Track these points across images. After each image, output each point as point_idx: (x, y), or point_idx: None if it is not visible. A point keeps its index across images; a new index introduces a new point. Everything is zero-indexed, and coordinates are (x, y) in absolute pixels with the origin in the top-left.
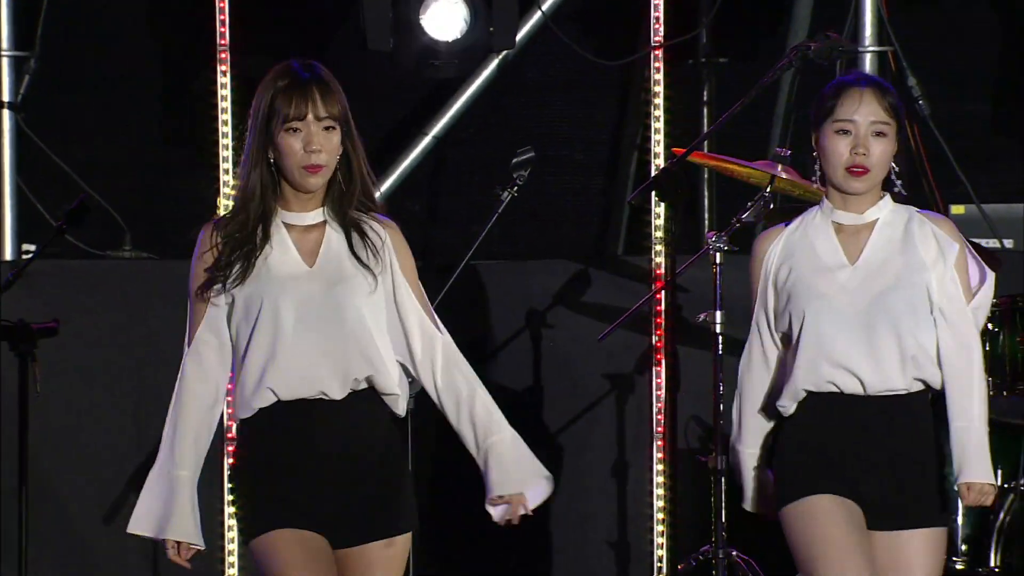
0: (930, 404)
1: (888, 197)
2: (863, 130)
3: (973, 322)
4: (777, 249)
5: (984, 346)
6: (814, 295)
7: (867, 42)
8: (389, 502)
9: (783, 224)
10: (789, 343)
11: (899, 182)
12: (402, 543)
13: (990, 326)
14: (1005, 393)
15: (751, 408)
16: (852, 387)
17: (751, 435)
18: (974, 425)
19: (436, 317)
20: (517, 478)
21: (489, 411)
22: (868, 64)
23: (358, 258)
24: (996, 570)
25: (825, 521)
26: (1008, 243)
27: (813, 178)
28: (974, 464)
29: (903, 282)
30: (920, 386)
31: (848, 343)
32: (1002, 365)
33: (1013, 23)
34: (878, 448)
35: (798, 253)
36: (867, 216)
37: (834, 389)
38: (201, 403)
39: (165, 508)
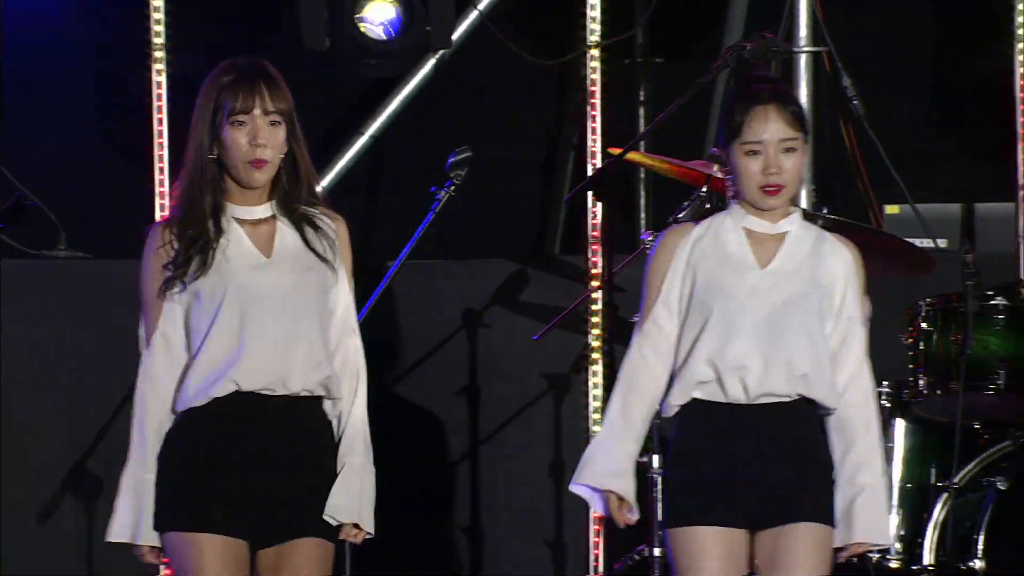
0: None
1: (798, 212)
2: (772, 149)
3: (867, 363)
4: (687, 245)
5: (919, 345)
6: (722, 294)
7: (802, 43)
8: (322, 501)
9: (693, 222)
10: (686, 340)
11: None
12: (328, 545)
13: (925, 326)
14: (939, 392)
15: (637, 403)
16: (735, 392)
17: (632, 431)
18: (881, 483)
19: (355, 318)
20: (354, 508)
21: (356, 428)
22: (803, 64)
23: (315, 251)
24: (930, 568)
25: (701, 556)
26: (942, 243)
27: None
28: (881, 526)
29: (811, 293)
30: (807, 393)
31: (747, 345)
32: (936, 364)
33: (947, 23)
34: (760, 454)
35: (708, 251)
36: (779, 227)
37: (719, 392)
38: (165, 402)
39: (137, 513)
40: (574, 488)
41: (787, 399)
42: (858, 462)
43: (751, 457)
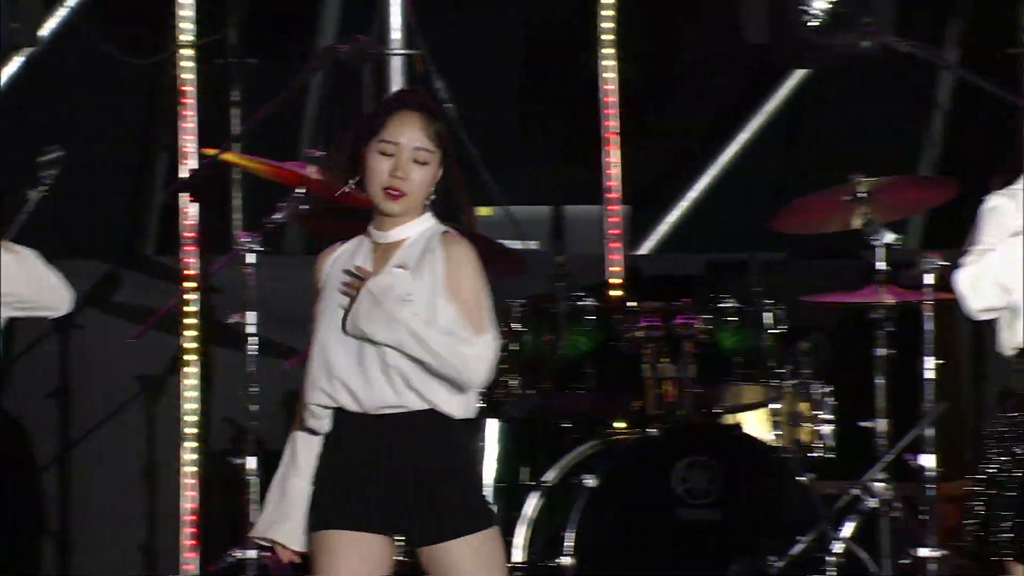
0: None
1: (427, 215)
2: (406, 154)
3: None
4: (328, 263)
5: (511, 346)
6: (328, 308)
7: (395, 45)
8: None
9: (352, 240)
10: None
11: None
12: None
13: (517, 326)
14: (530, 392)
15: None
16: (349, 404)
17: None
18: None
19: None
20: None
21: None
22: (397, 67)
23: None
24: (520, 565)
25: (330, 558)
26: (533, 244)
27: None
28: None
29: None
30: (422, 404)
31: (344, 358)
32: (527, 364)
33: (537, 28)
34: (388, 466)
35: (338, 268)
36: (393, 235)
37: (331, 401)
38: None
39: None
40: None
41: (403, 409)
42: None
43: (378, 465)
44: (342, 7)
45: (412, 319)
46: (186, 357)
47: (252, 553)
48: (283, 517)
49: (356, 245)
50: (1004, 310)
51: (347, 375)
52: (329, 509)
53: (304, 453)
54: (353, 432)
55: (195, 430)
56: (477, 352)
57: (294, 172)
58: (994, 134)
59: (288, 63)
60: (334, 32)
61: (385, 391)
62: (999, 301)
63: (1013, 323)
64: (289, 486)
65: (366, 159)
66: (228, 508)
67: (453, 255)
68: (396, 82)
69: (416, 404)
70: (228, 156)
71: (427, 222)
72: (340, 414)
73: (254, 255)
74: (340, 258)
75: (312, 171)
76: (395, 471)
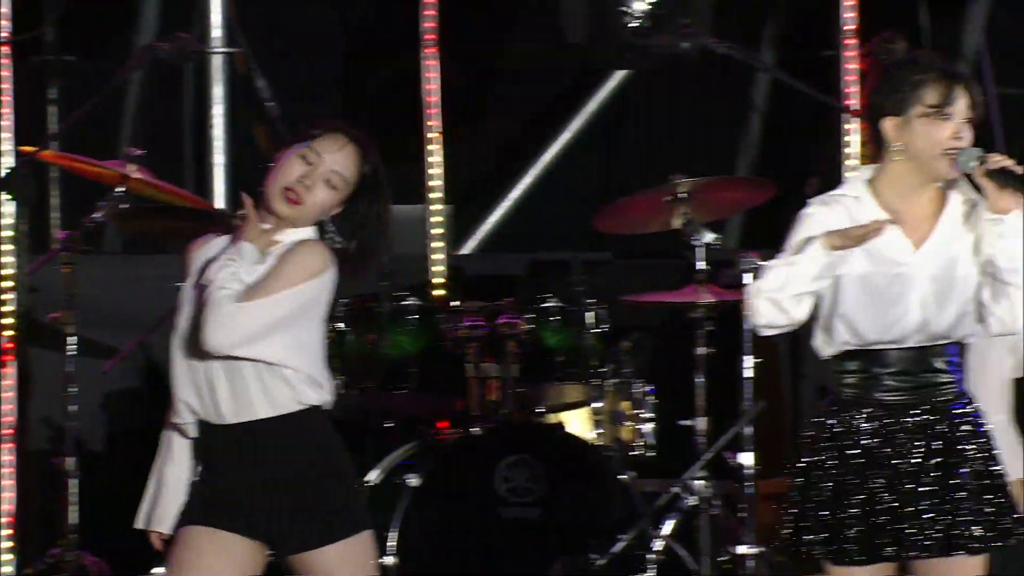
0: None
1: (311, 230)
2: (321, 169)
3: None
4: (199, 257)
5: (336, 346)
6: (186, 311)
7: (216, 44)
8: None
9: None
10: None
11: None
12: None
13: (341, 325)
14: (354, 391)
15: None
16: (209, 415)
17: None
18: None
19: None
20: None
21: None
22: (218, 66)
23: None
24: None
25: (188, 553)
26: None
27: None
28: None
29: None
30: (280, 408)
31: (199, 365)
32: (351, 364)
33: (357, 27)
34: (251, 472)
35: (203, 265)
36: (273, 236)
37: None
38: None
39: None
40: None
41: (258, 416)
42: None
43: (242, 470)
44: (162, 4)
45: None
46: (4, 357)
47: (70, 555)
48: (160, 506)
49: (228, 242)
50: (788, 327)
51: (200, 383)
52: (194, 507)
53: (179, 442)
54: (217, 436)
55: (11, 430)
56: (231, 311)
57: (113, 171)
58: (810, 136)
59: (107, 60)
60: (154, 30)
61: (239, 399)
62: (777, 319)
63: (819, 333)
64: (166, 476)
65: (283, 158)
66: (46, 509)
67: (293, 250)
68: (218, 80)
69: (268, 411)
70: (46, 154)
71: (306, 233)
72: (203, 420)
73: (73, 254)
74: (211, 252)
75: (132, 170)
76: (259, 477)
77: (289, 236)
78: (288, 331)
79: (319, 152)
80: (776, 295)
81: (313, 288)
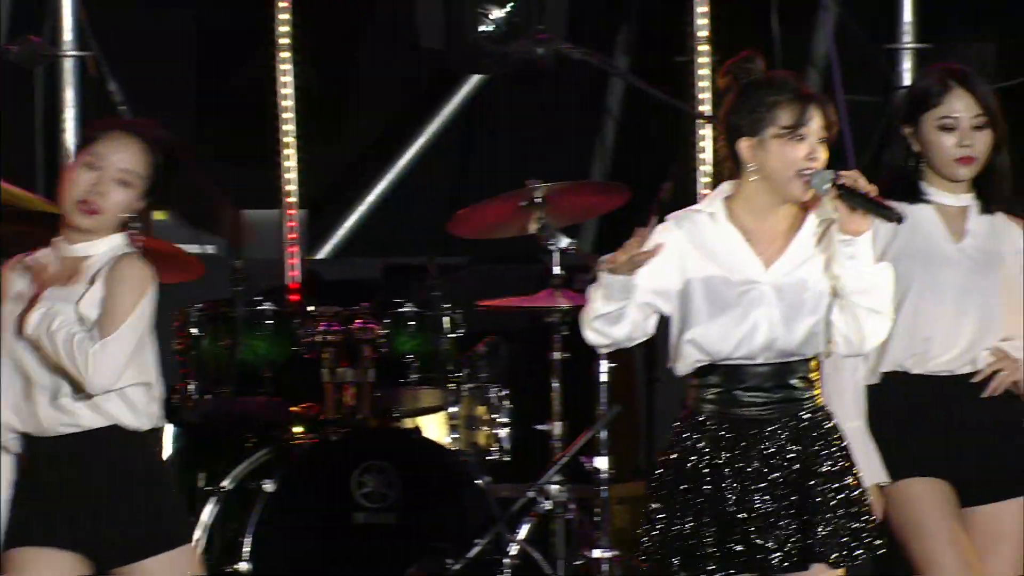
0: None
1: (118, 235)
2: (111, 171)
3: None
4: (12, 281)
5: (190, 351)
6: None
7: (68, 46)
8: None
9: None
10: None
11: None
12: None
13: (195, 331)
14: (208, 397)
15: None
16: (29, 427)
17: None
18: None
19: None
20: None
21: None
22: (70, 69)
23: None
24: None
25: (15, 573)
26: (211, 248)
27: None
28: None
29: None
30: (98, 421)
31: (18, 381)
32: (206, 369)
33: (210, 29)
34: (72, 485)
35: (22, 281)
36: (80, 250)
37: (19, 429)
38: None
39: None
40: None
41: (79, 428)
42: None
43: (63, 484)
44: (12, 6)
45: (45, 322)
46: None
47: None
48: None
49: (45, 255)
50: (616, 345)
51: (19, 398)
52: (20, 527)
53: (4, 459)
54: (40, 450)
55: None
56: (96, 352)
57: None
58: (664, 141)
59: None
60: (4, 32)
61: (56, 411)
62: (599, 340)
63: (671, 350)
64: None
65: (69, 169)
66: None
67: (117, 271)
68: (69, 83)
69: (92, 422)
70: None
71: (115, 241)
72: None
73: None
74: (27, 269)
75: None
76: (79, 490)
77: (99, 247)
78: (141, 351)
79: (102, 155)
80: (587, 318)
81: (148, 304)
